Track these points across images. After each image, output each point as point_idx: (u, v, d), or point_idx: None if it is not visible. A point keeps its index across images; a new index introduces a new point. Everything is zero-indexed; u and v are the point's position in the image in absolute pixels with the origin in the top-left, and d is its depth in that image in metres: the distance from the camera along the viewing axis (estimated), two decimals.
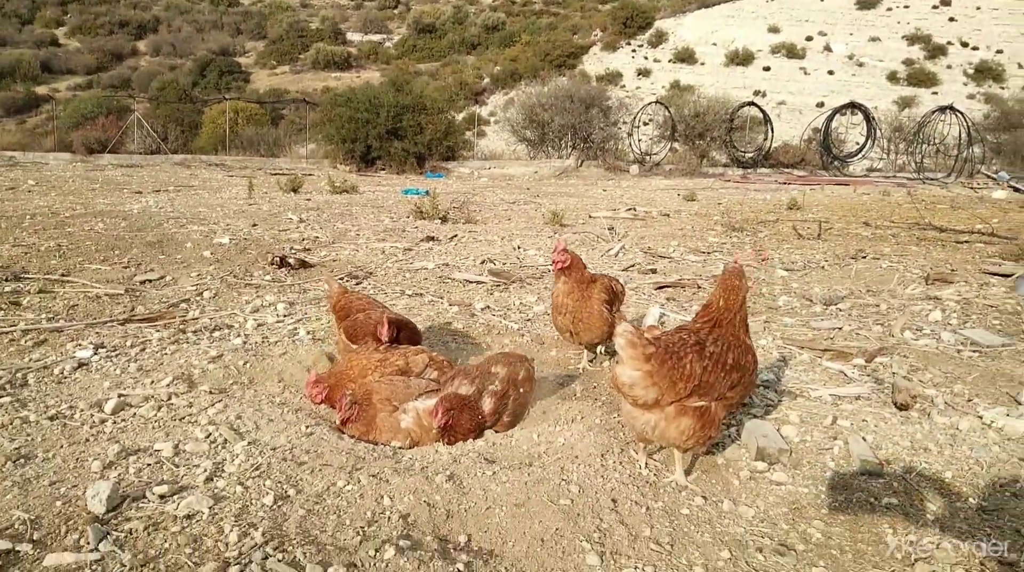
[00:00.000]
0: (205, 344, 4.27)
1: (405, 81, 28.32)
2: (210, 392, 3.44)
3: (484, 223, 10.83)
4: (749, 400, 3.51)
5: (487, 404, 3.13)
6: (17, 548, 2.06)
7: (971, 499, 2.65)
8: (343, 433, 3.10)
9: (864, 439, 3.08)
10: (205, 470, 2.60)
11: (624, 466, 2.80)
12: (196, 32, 69.60)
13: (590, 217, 11.82)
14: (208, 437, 2.91)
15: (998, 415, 3.40)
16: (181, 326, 4.67)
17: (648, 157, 28.91)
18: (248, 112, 33.22)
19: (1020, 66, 51.33)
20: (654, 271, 7.27)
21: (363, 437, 3.05)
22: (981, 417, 3.40)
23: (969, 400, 3.69)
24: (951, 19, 56.46)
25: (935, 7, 57.81)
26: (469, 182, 20.70)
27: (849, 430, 3.19)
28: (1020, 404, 3.65)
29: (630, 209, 12.81)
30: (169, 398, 3.35)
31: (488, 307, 5.61)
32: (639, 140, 29.82)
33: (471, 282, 6.55)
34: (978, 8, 57.23)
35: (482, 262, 7.51)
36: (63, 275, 6.00)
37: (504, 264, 7.45)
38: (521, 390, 3.31)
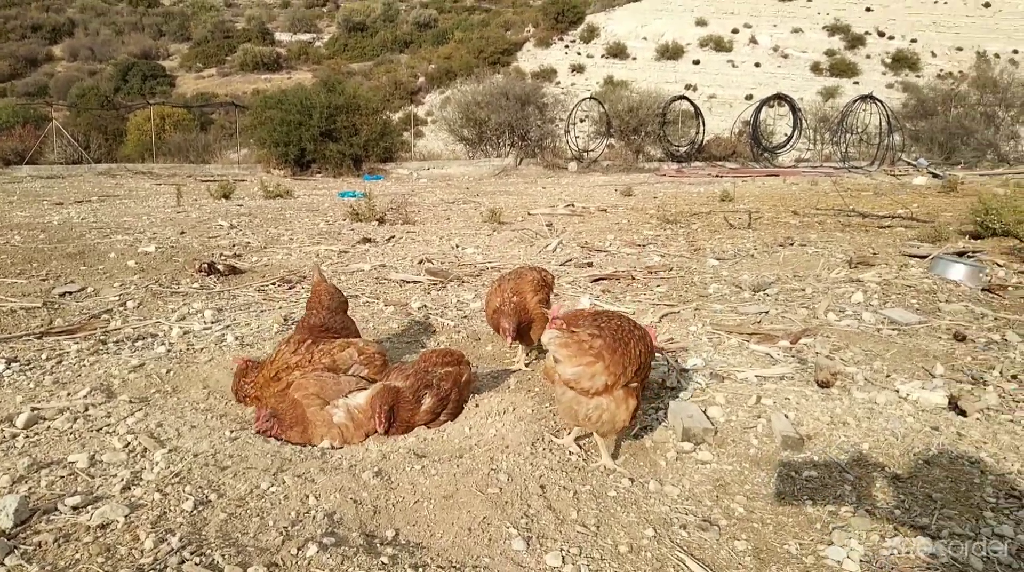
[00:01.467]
0: (126, 354, 4.12)
1: (338, 81, 27.79)
2: (130, 401, 3.32)
3: (422, 223, 10.76)
4: (676, 383, 3.59)
5: (426, 402, 3.11)
6: None
7: (887, 468, 2.76)
8: (278, 440, 3.02)
9: (786, 416, 3.18)
10: (122, 479, 2.51)
11: (553, 453, 2.82)
12: (115, 35, 67.09)
13: (529, 214, 11.87)
14: (126, 446, 2.81)
15: (913, 388, 3.56)
16: (102, 337, 4.50)
17: (586, 154, 29.21)
18: (175, 118, 32.22)
19: (934, 54, 53.82)
20: (590, 265, 7.35)
21: (302, 441, 2.98)
22: (898, 391, 3.55)
23: (887, 376, 3.85)
24: (867, 9, 58.69)
25: None
26: (408, 183, 20.53)
27: (772, 408, 3.29)
28: (934, 377, 3.83)
29: (568, 205, 12.92)
30: (86, 409, 3.22)
31: (425, 306, 5.58)
32: (576, 137, 30.09)
33: (408, 282, 6.50)
34: None
35: (420, 262, 7.46)
36: None
37: (442, 263, 7.42)
38: (462, 391, 3.31)
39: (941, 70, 50.93)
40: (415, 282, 6.49)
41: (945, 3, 58.81)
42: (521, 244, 8.71)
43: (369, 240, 8.82)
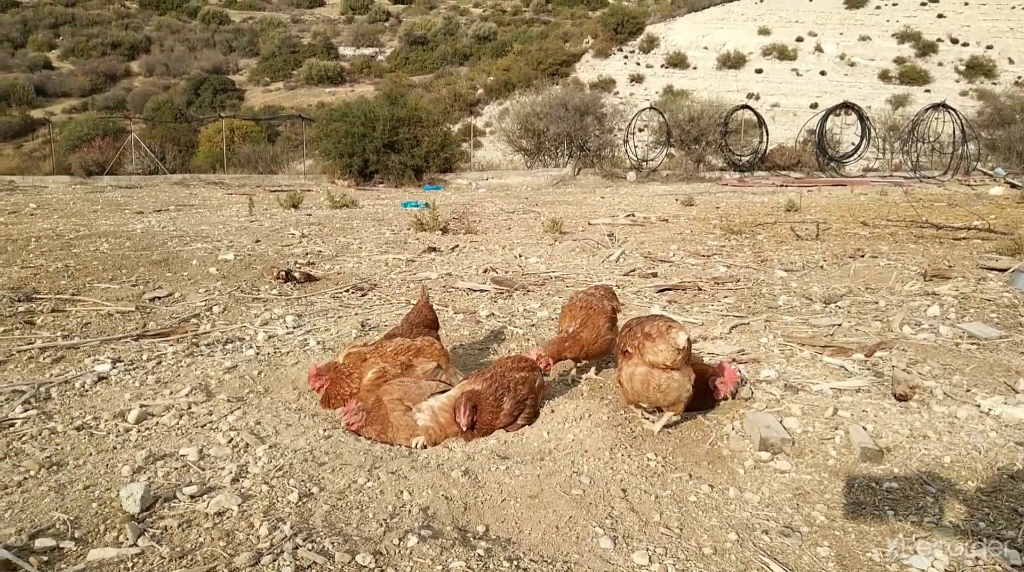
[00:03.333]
0: (219, 356, 4.37)
1: (399, 94, 28.47)
2: (228, 400, 3.55)
3: (484, 233, 10.95)
4: (751, 394, 3.62)
5: (506, 405, 3.24)
6: (61, 545, 2.17)
7: (969, 482, 2.75)
8: (359, 436, 3.20)
9: (864, 428, 3.19)
10: (231, 472, 2.70)
11: (632, 459, 2.91)
12: (188, 51, 69.94)
13: (589, 224, 11.94)
14: (230, 442, 3.02)
15: (995, 404, 3.51)
16: (194, 340, 4.78)
17: (644, 163, 29.09)
18: (244, 130, 33.42)
19: (1011, 61, 51.67)
20: (654, 275, 7.38)
21: (379, 438, 3.16)
22: (979, 406, 3.51)
23: (967, 390, 3.80)
24: (940, 16, 56.81)
25: (923, 4, 58.18)
26: (467, 193, 20.85)
27: (850, 420, 3.29)
28: (1017, 393, 3.76)
29: (629, 215, 12.94)
30: (189, 407, 3.45)
31: (493, 314, 5.72)
32: (635, 146, 29.99)
33: (475, 290, 6.66)
34: (966, 4, 57.61)
35: (484, 271, 7.62)
36: (73, 294, 6.11)
37: (506, 272, 7.56)
38: (537, 396, 3.44)
39: (1019, 77, 48.90)
40: (481, 290, 6.65)
41: None
42: (583, 254, 8.80)
43: (434, 249, 9.04)
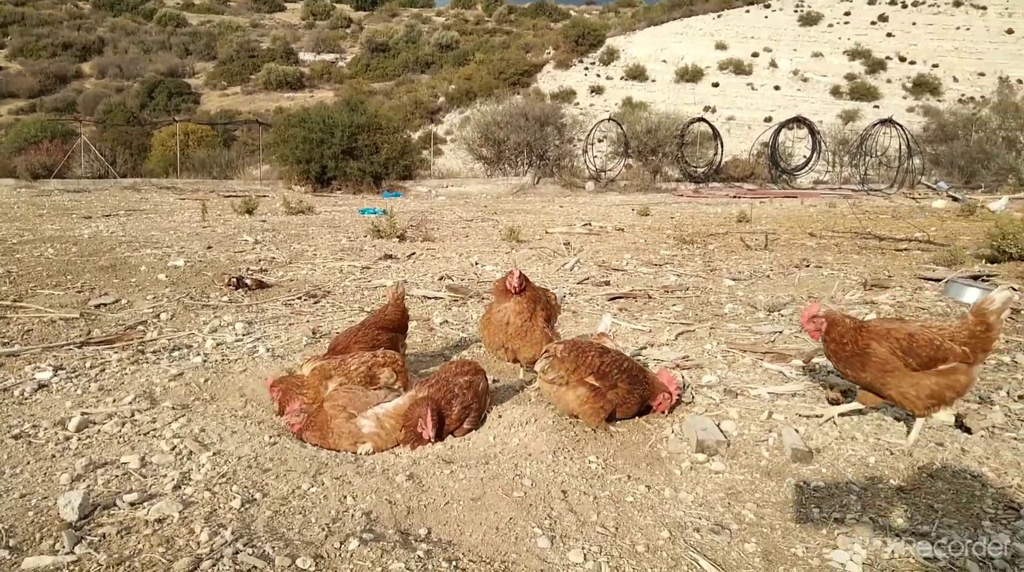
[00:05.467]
0: (165, 363, 4.33)
1: (359, 101, 28.31)
2: (173, 408, 3.52)
3: (442, 241, 10.99)
4: (691, 399, 3.74)
5: (454, 409, 3.29)
6: None
7: (891, 480, 2.89)
8: (304, 442, 3.21)
9: (797, 431, 3.32)
10: (172, 479, 2.70)
11: (574, 461, 2.99)
12: (143, 53, 68.59)
13: (547, 233, 12.07)
14: (173, 449, 3.01)
15: None
16: (140, 347, 4.72)
17: (603, 173, 29.45)
18: (199, 134, 32.92)
19: (955, 79, 53.74)
20: (607, 283, 7.51)
21: (321, 444, 3.17)
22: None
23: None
24: (889, 34, 58.83)
25: (873, 23, 60.20)
26: (427, 201, 20.85)
27: (783, 423, 3.43)
28: None
29: (586, 224, 13.11)
30: (132, 415, 3.42)
31: (446, 321, 5.76)
32: (594, 157, 30.37)
33: (429, 298, 6.69)
34: (914, 24, 59.79)
35: (440, 278, 7.66)
36: (15, 301, 5.97)
37: (462, 280, 7.61)
38: (482, 400, 3.50)
39: (963, 95, 50.83)
40: (436, 298, 6.69)
41: (968, 29, 58.80)
42: (539, 262, 8.90)
43: (390, 256, 9.04)
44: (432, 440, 3.14)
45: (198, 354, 4.57)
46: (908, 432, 3.28)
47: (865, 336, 3.21)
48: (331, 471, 2.84)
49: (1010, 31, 58.35)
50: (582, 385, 3.26)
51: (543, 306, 4.09)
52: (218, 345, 4.80)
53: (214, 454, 2.96)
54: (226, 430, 3.27)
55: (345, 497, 2.61)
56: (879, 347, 3.16)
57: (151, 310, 5.87)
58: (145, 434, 3.20)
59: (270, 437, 3.20)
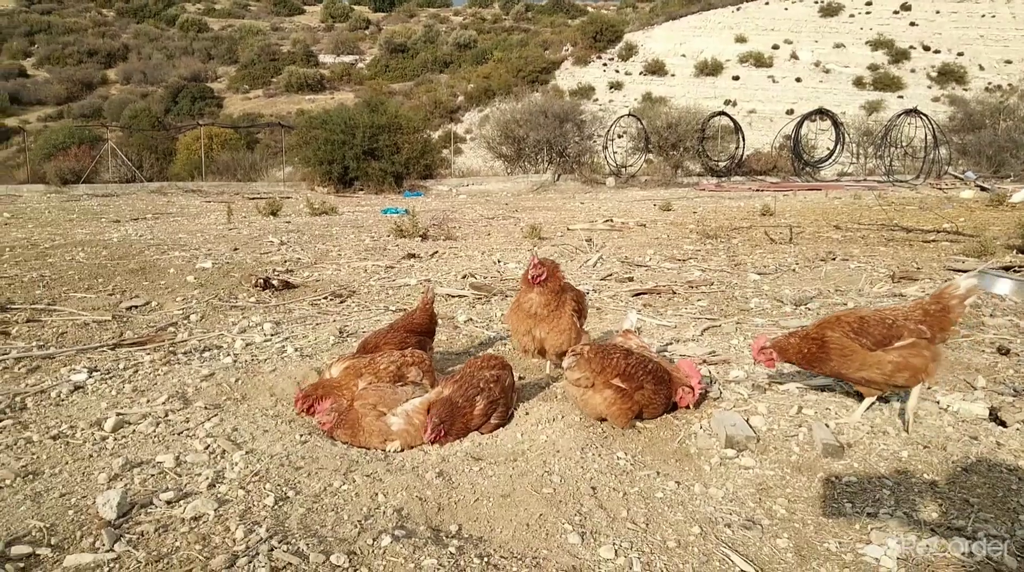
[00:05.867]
0: (196, 364, 4.40)
1: (379, 101, 28.47)
2: (205, 408, 3.58)
3: (464, 239, 11.02)
4: (719, 394, 3.72)
5: (479, 405, 3.31)
6: (37, 552, 2.20)
7: (925, 475, 2.86)
8: (335, 440, 3.25)
9: (827, 425, 3.29)
10: (207, 478, 2.74)
11: (602, 458, 2.99)
12: (166, 59, 69.39)
13: (568, 230, 12.06)
14: (207, 448, 3.06)
15: (954, 400, 3.62)
16: (171, 348, 4.80)
17: (624, 169, 29.36)
18: (223, 137, 33.27)
19: (981, 67, 52.74)
20: (631, 279, 7.49)
21: (352, 442, 3.21)
22: (938, 402, 3.62)
23: (928, 387, 3.91)
24: (912, 23, 57.86)
25: (896, 12, 59.24)
26: (448, 199, 20.92)
27: (813, 418, 3.40)
28: (975, 389, 3.89)
29: (607, 220, 13.08)
30: (166, 415, 3.48)
31: (471, 319, 5.78)
32: (614, 153, 30.29)
33: (453, 296, 6.72)
34: (937, 12, 58.74)
35: (463, 276, 7.68)
36: (49, 304, 6.09)
37: (485, 278, 7.64)
38: (508, 395, 3.51)
39: (989, 83, 49.90)
40: (460, 296, 6.71)
41: (993, 16, 57.65)
42: (562, 259, 8.89)
43: (414, 255, 9.09)
44: (429, 442, 3.16)
45: (228, 354, 4.63)
46: (910, 417, 3.28)
47: (818, 329, 3.37)
48: (362, 468, 2.87)
49: None
50: (608, 387, 3.26)
51: (573, 298, 4.09)
52: (247, 345, 4.87)
53: (247, 453, 3.00)
54: (258, 429, 3.31)
55: (376, 494, 2.64)
56: (833, 333, 3.31)
57: (181, 312, 5.96)
58: (179, 434, 3.26)
59: (301, 436, 3.24)
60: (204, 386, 3.95)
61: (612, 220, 13.18)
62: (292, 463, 2.90)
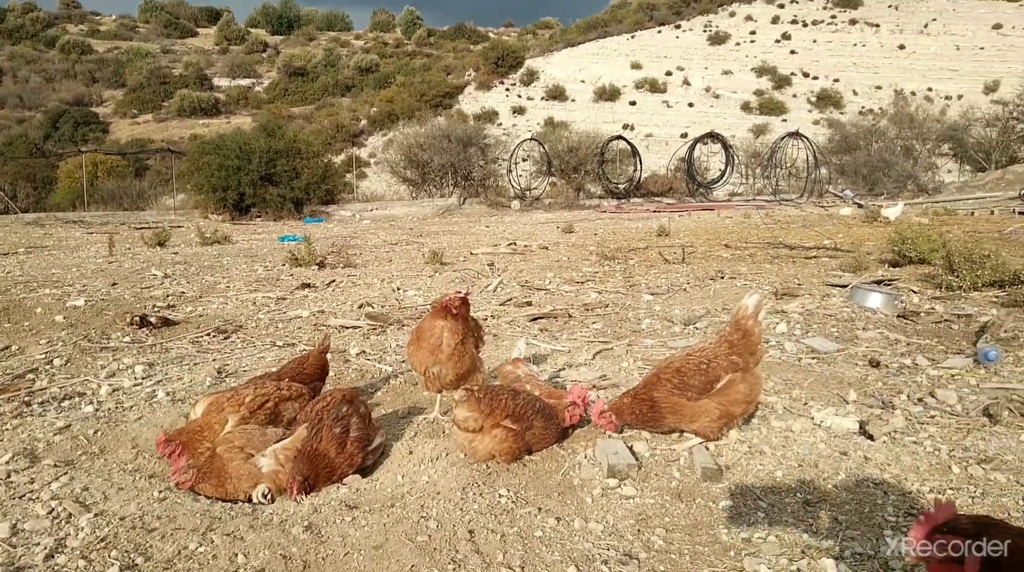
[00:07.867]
0: (52, 415, 4.04)
1: (277, 125, 27.70)
2: (55, 465, 3.26)
3: (364, 266, 10.78)
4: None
5: (345, 450, 3.14)
6: None
7: (797, 494, 2.91)
8: (198, 495, 3.02)
9: (707, 448, 3.32)
10: (45, 547, 2.47)
11: (484, 497, 2.89)
12: (46, 82, 65.49)
13: (471, 254, 12.01)
14: (50, 513, 2.77)
15: (827, 415, 3.75)
16: (26, 398, 4.39)
17: (528, 192, 29.73)
18: (108, 164, 31.58)
19: (855, 92, 56.85)
20: (529, 304, 7.48)
21: (217, 494, 2.98)
22: (812, 418, 3.74)
23: (805, 404, 4.04)
24: (792, 52, 61.85)
25: (777, 41, 63.20)
26: (351, 225, 20.52)
27: (694, 440, 3.42)
28: (847, 403, 4.04)
29: (511, 244, 13.12)
30: (8, 476, 3.15)
31: (363, 352, 5.60)
32: (519, 176, 30.64)
33: (347, 327, 6.51)
34: (814, 41, 63.07)
35: (359, 306, 7.48)
36: None
37: (383, 307, 7.46)
38: (367, 426, 3.31)
39: (862, 107, 53.77)
40: (354, 327, 6.51)
41: (864, 45, 62.42)
42: (462, 285, 8.81)
43: (308, 285, 8.80)
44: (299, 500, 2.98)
45: (90, 403, 4.28)
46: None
47: (646, 390, 3.37)
48: (223, 526, 2.66)
49: (901, 47, 62.29)
50: (497, 428, 3.22)
51: (473, 332, 4.01)
52: (114, 391, 4.52)
53: (95, 516, 2.73)
54: (112, 487, 3.04)
55: (236, 555, 2.44)
56: (659, 394, 3.33)
57: (44, 356, 5.50)
58: (20, 497, 2.94)
59: (160, 492, 2.99)
60: (57, 440, 3.61)
61: (516, 243, 13.23)
62: (145, 525, 2.66)
